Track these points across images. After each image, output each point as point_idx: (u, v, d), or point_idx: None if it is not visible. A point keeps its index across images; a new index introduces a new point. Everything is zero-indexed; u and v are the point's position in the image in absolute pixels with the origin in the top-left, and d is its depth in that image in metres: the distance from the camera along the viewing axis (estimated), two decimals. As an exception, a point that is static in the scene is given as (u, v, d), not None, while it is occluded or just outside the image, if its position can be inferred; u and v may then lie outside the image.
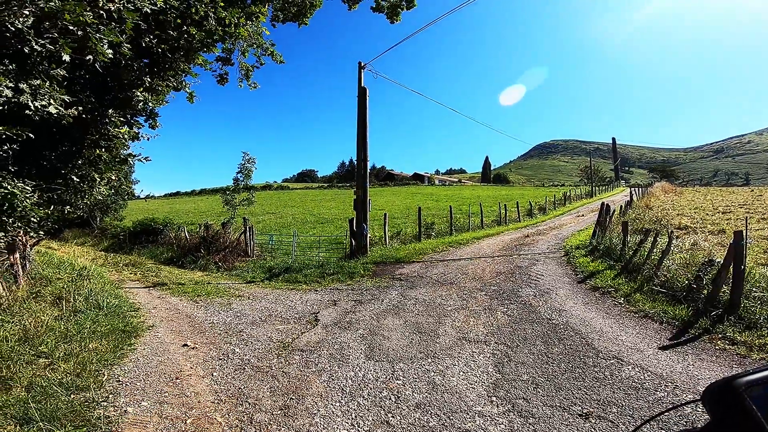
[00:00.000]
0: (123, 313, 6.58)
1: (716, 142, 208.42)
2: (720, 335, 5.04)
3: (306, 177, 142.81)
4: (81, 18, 3.48)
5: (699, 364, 4.36)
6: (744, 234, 5.63)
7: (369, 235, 13.09)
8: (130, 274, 11.62)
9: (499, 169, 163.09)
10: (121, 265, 13.16)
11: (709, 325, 5.29)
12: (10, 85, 3.35)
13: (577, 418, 3.42)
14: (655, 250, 7.68)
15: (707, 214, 17.83)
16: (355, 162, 13.30)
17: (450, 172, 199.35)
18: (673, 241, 7.85)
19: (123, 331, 5.58)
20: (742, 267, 5.49)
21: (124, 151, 5.56)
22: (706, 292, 5.95)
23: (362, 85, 13.04)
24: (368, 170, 13.01)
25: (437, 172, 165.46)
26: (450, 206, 20.40)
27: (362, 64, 13.10)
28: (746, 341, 4.80)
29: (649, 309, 6.05)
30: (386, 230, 14.60)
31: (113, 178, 5.76)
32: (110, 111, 4.63)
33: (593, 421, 3.36)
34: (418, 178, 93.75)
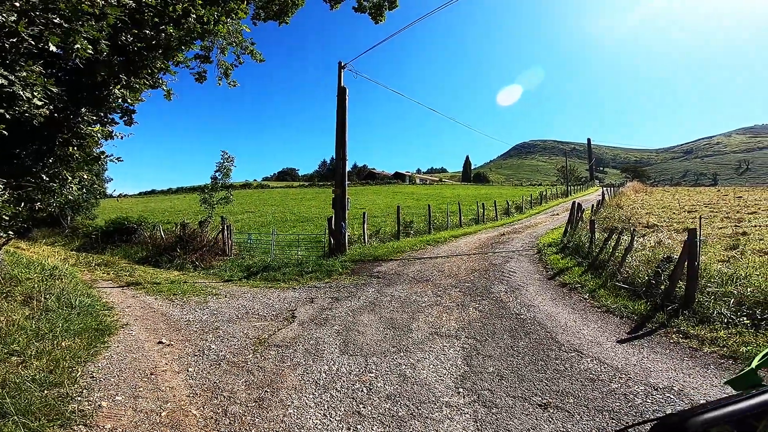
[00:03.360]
0: (96, 312, 6.52)
1: (686, 143, 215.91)
2: (675, 329, 5.31)
3: (287, 175, 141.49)
4: (78, 7, 3.49)
5: (653, 357, 4.62)
6: (698, 232, 5.98)
7: (348, 234, 13.21)
8: (103, 273, 11.39)
9: (479, 168, 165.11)
10: (94, 264, 12.88)
11: (666, 320, 5.59)
12: (5, 73, 3.35)
13: (536, 408, 3.63)
14: (619, 247, 8.06)
15: (674, 213, 18.59)
16: (336, 161, 13.38)
17: (431, 171, 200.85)
18: (637, 239, 8.25)
19: (96, 330, 5.55)
20: (696, 263, 5.84)
21: (97, 150, 5.51)
22: (663, 287, 6.30)
23: (342, 84, 13.12)
24: (347, 169, 13.12)
25: (419, 171, 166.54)
26: (429, 205, 20.67)
27: (342, 64, 13.18)
28: (699, 335, 5.06)
29: (612, 304, 6.37)
30: (365, 229, 14.73)
31: (85, 176, 5.70)
32: (83, 109, 4.60)
33: (551, 410, 3.57)
34: (399, 177, 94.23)
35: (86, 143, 5.04)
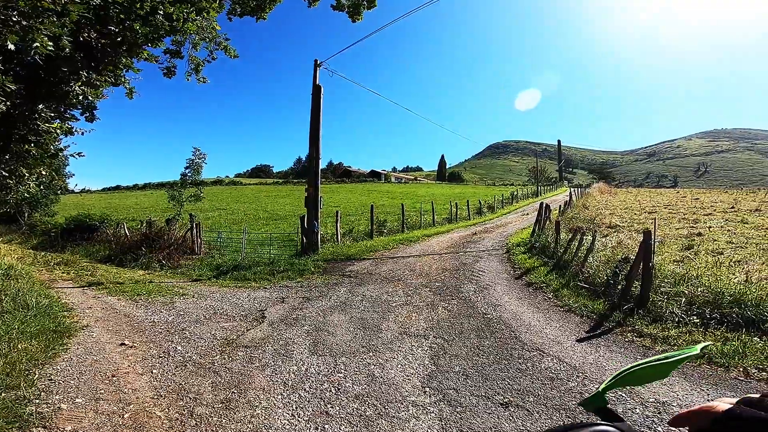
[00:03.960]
0: (54, 313, 6.33)
1: (650, 146, 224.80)
2: (630, 328, 5.52)
3: (260, 172, 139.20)
4: (38, 4, 3.35)
5: (608, 356, 4.81)
6: (653, 234, 6.32)
7: (321, 233, 13.17)
8: (63, 273, 10.95)
9: (454, 167, 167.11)
10: (53, 264, 12.34)
11: (622, 319, 5.82)
12: None
13: (498, 406, 3.75)
14: (582, 248, 8.40)
15: (635, 214, 19.41)
16: (309, 160, 13.29)
17: (407, 169, 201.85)
18: (599, 239, 8.62)
19: (55, 332, 5.39)
20: (651, 264, 6.16)
21: (57, 145, 5.30)
22: (620, 287, 6.61)
23: (317, 82, 13.05)
24: (322, 167, 13.09)
25: (394, 170, 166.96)
26: (402, 204, 20.82)
27: (318, 62, 13.11)
28: (652, 334, 5.28)
29: (573, 303, 6.63)
30: (338, 228, 14.72)
31: (43, 173, 5.46)
32: (41, 105, 4.41)
33: (512, 409, 3.69)
34: (375, 175, 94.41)
35: (44, 139, 4.83)
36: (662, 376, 0.68)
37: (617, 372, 0.68)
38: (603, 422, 0.60)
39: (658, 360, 0.67)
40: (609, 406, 0.68)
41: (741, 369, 4.26)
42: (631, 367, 0.67)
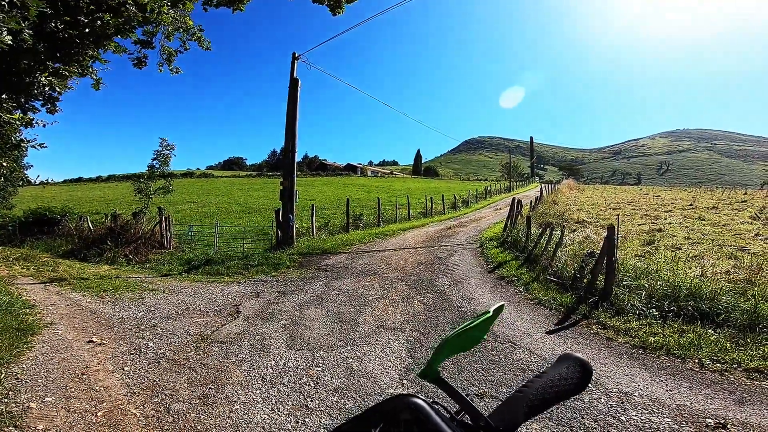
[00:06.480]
0: (15, 310, 6.11)
1: (616, 145, 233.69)
2: (595, 320, 5.75)
3: (233, 165, 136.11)
4: None
5: (575, 347, 5.03)
6: (616, 230, 6.62)
7: (296, 226, 13.07)
8: (23, 269, 10.46)
9: (429, 162, 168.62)
10: (11, 259, 11.76)
11: (587, 311, 6.04)
12: None
13: (474, 398, 3.85)
14: (551, 242, 8.70)
15: (601, 210, 20.17)
16: (285, 152, 13.12)
17: (383, 163, 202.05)
18: (567, 234, 8.94)
19: (18, 329, 5.22)
20: (614, 259, 6.46)
21: (18, 137, 5.04)
22: (586, 281, 6.90)
23: (294, 75, 12.88)
24: (297, 160, 12.94)
25: (371, 163, 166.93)
26: (378, 198, 20.89)
27: (296, 55, 12.91)
28: (614, 326, 5.50)
29: (543, 297, 6.85)
30: (314, 221, 14.64)
31: (4, 165, 5.20)
32: (4, 95, 4.17)
33: (487, 400, 3.81)
34: (351, 168, 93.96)
35: (4, 131, 4.59)
36: (477, 341, 0.80)
37: (438, 346, 0.77)
38: (414, 394, 0.72)
39: (466, 327, 0.78)
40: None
41: (696, 360, 4.52)
42: (448, 339, 0.77)
